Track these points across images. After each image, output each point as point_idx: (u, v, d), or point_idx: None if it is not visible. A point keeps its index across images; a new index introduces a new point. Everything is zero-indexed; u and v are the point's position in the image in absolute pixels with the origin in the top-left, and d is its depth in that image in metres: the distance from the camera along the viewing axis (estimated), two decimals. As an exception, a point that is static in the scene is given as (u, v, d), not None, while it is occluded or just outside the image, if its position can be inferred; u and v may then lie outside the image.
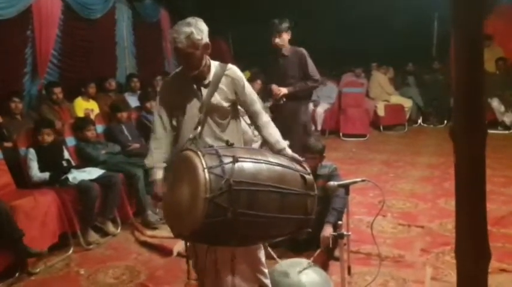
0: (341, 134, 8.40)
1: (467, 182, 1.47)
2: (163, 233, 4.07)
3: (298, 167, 2.35)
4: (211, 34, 2.43)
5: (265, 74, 5.24)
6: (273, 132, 2.54)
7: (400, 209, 4.60)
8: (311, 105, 8.63)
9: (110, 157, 4.65)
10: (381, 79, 9.22)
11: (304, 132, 4.31)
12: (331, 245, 3.17)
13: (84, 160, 4.54)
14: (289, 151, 2.47)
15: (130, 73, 7.17)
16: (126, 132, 5.13)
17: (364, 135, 8.29)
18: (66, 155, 4.37)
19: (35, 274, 3.56)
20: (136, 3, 7.49)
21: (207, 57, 2.48)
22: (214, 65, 2.53)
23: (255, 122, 2.60)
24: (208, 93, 2.47)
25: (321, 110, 8.63)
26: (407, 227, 4.13)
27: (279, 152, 2.46)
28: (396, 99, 9.11)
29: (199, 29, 2.36)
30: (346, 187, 2.83)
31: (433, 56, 9.77)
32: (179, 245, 3.68)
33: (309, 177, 2.32)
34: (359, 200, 4.79)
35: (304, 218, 2.27)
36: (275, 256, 2.92)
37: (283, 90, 4.15)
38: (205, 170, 2.02)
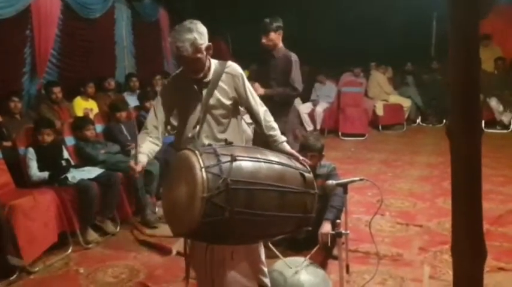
0: (340, 134, 8.41)
1: (463, 181, 1.47)
2: (162, 232, 4.08)
3: (298, 165, 2.36)
4: (210, 34, 2.43)
5: (257, 73, 5.19)
6: (275, 127, 2.57)
7: (398, 208, 4.61)
8: (305, 109, 8.65)
9: (109, 156, 4.65)
10: (379, 79, 9.22)
11: (294, 138, 4.18)
12: (329, 243, 3.19)
13: (84, 159, 4.54)
14: (288, 147, 2.49)
15: (130, 73, 7.17)
16: (125, 131, 5.13)
17: (363, 135, 8.30)
18: (66, 154, 4.37)
19: (34, 273, 3.55)
20: (135, 2, 7.48)
21: (208, 57, 2.49)
22: (214, 63, 2.53)
23: (255, 119, 2.60)
24: (209, 92, 2.48)
25: (320, 109, 8.65)
26: (405, 226, 4.14)
27: (281, 143, 2.48)
28: (395, 98, 9.12)
29: (200, 33, 2.36)
30: (344, 186, 2.83)
31: (432, 55, 9.79)
32: (178, 244, 3.69)
33: (309, 175, 2.33)
34: (357, 199, 4.81)
35: (304, 216, 2.27)
36: (279, 254, 2.91)
37: (260, 91, 4.02)
38: (203, 170, 2.02)
